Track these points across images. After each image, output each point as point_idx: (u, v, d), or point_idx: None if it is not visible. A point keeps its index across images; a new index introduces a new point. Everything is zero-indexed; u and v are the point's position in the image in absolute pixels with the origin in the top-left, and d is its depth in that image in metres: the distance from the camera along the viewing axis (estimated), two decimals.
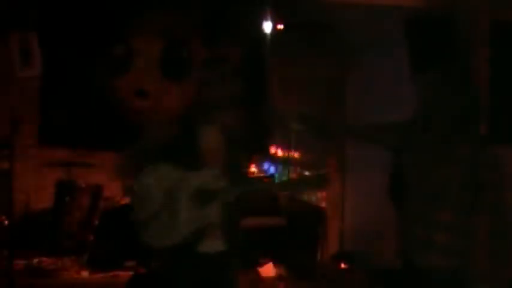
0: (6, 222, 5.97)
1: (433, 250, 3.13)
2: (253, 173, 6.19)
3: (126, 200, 6.28)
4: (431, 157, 3.17)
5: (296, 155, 6.77)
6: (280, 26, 7.12)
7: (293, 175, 6.59)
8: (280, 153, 6.85)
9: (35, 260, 6.03)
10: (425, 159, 3.18)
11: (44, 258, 6.08)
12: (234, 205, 3.66)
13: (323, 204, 6.70)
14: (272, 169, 6.26)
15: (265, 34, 7.23)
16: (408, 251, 3.18)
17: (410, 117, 3.28)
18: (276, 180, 3.59)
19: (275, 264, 6.27)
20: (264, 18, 7.09)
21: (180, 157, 3.54)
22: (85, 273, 5.81)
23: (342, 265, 6.59)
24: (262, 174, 5.89)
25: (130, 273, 5.39)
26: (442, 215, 3.13)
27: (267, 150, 3.75)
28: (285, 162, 6.40)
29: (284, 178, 4.57)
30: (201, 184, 3.49)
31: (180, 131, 3.59)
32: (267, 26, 7.12)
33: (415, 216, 3.17)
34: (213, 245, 3.53)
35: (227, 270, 3.66)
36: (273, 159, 6.42)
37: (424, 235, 3.14)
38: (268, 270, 6.20)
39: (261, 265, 6.28)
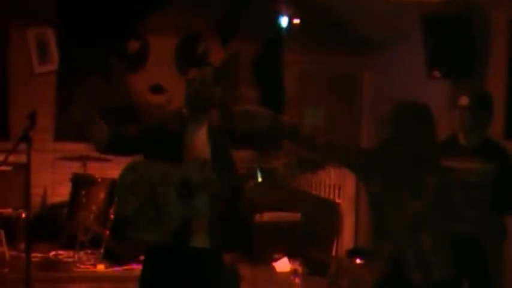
0: (23, 215, 6.03)
1: (429, 267, 3.13)
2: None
3: None
4: (398, 189, 3.15)
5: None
6: (297, 21, 7.10)
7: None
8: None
9: (52, 253, 6.08)
10: (394, 192, 3.16)
11: (61, 252, 6.13)
12: (232, 200, 3.67)
13: (338, 200, 6.69)
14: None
15: (281, 29, 7.24)
16: (403, 271, 3.17)
17: (381, 144, 3.26)
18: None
19: (290, 259, 6.27)
20: (281, 14, 7.10)
21: (165, 152, 3.56)
22: (101, 267, 5.85)
23: (357, 260, 6.59)
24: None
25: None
26: (424, 240, 3.13)
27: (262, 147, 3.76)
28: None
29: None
30: (184, 175, 3.50)
31: (164, 127, 3.63)
32: (284, 21, 7.11)
33: (401, 243, 3.15)
34: (200, 241, 3.54)
35: (218, 265, 3.66)
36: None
37: (415, 257, 3.13)
38: (283, 265, 6.21)
39: (276, 260, 6.29)
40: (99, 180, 6.31)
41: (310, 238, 6.62)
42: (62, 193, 6.66)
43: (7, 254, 5.90)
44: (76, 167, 6.47)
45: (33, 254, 5.77)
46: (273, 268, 6.22)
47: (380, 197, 3.22)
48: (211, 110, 3.66)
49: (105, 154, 3.82)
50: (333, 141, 3.41)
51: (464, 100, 3.84)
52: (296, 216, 6.42)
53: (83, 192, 6.21)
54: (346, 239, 6.75)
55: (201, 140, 3.64)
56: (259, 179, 3.59)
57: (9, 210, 6.31)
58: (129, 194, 3.49)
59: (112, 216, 6.03)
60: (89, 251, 6.11)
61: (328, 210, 6.64)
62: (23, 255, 5.66)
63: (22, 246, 5.95)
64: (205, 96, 3.60)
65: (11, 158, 5.50)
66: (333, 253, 6.51)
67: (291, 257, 6.25)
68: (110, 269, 5.84)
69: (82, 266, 5.85)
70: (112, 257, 5.92)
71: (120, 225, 3.48)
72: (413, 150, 3.10)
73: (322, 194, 6.82)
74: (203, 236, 3.56)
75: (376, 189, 3.23)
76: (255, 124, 3.58)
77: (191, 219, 3.51)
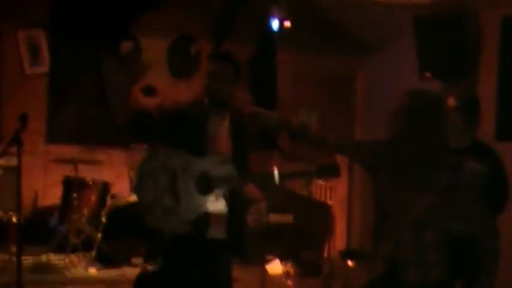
0: (14, 218, 6.00)
1: (426, 267, 3.13)
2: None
3: (133, 198, 6.30)
4: (409, 182, 3.13)
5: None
6: (288, 24, 7.10)
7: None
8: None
9: (43, 257, 6.05)
10: (402, 189, 3.14)
11: (52, 255, 6.11)
12: (241, 196, 3.69)
13: (330, 201, 6.70)
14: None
15: (273, 32, 7.24)
16: (399, 270, 3.16)
17: (390, 137, 3.20)
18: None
19: (282, 261, 6.27)
20: (272, 16, 7.10)
21: (187, 143, 3.57)
22: (93, 270, 5.83)
23: (349, 262, 6.59)
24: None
25: (138, 270, 5.43)
26: (427, 238, 3.13)
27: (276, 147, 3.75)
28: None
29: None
30: (205, 169, 3.51)
31: (187, 118, 3.63)
32: (275, 24, 7.11)
33: (401, 241, 3.15)
34: (217, 232, 3.55)
35: (227, 258, 3.69)
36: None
37: (414, 256, 3.13)
38: (275, 267, 6.21)
39: (268, 262, 6.28)
40: (91, 182, 6.29)
41: (302, 240, 6.62)
42: (53, 196, 6.63)
43: None
44: (67, 170, 6.44)
45: (25, 257, 5.75)
46: (265, 270, 6.21)
47: (386, 193, 3.20)
48: (232, 105, 3.68)
49: (126, 130, 3.79)
50: (342, 139, 3.42)
51: (452, 101, 3.86)
52: (288, 218, 6.42)
53: (75, 195, 6.18)
54: (338, 241, 6.76)
55: (223, 133, 3.66)
56: (277, 182, 3.61)
57: (0, 214, 6.28)
58: (149, 181, 3.50)
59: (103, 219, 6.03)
60: (81, 254, 6.08)
61: (320, 212, 6.65)
62: (14, 258, 5.64)
63: (13, 249, 5.91)
64: (226, 92, 3.61)
65: (2, 161, 5.50)
66: (325, 255, 6.51)
67: (283, 259, 6.24)
68: (102, 272, 5.82)
69: (74, 269, 5.83)
70: (104, 260, 5.90)
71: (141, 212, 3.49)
72: (425, 144, 3.07)
73: (314, 196, 6.83)
74: (220, 228, 3.58)
75: (382, 184, 3.21)
76: (265, 124, 3.58)
77: (209, 211, 3.53)
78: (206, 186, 3.55)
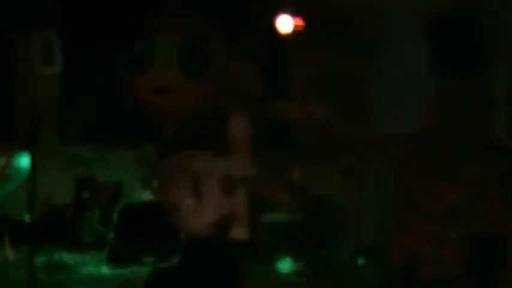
0: (27, 218, 6.03)
1: (444, 264, 3.11)
2: None
3: (145, 196, 6.32)
4: (437, 174, 3.10)
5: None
6: (299, 22, 7.10)
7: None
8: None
9: (56, 256, 6.09)
10: (430, 176, 3.11)
11: (65, 254, 6.14)
12: (259, 196, 3.69)
13: (342, 200, 6.68)
14: None
15: (284, 31, 7.25)
16: (415, 265, 3.14)
17: (418, 128, 3.19)
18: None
19: (293, 260, 6.27)
20: (284, 15, 7.10)
21: (209, 143, 3.57)
22: (105, 269, 5.86)
23: (361, 261, 6.58)
24: None
25: (149, 268, 5.44)
26: (451, 233, 3.12)
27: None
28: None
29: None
30: (227, 170, 3.52)
31: (208, 119, 3.62)
32: (288, 23, 7.11)
33: (422, 235, 3.13)
34: (239, 233, 3.56)
35: (247, 259, 3.69)
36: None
37: (434, 251, 3.11)
38: (286, 265, 6.21)
39: (279, 260, 6.29)
40: (103, 182, 6.32)
41: (313, 238, 6.62)
42: (66, 195, 6.66)
43: (11, 256, 5.90)
44: (80, 170, 6.48)
45: (38, 256, 5.79)
46: (276, 268, 6.22)
47: (414, 184, 3.16)
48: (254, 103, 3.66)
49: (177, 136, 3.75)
50: (371, 129, 3.40)
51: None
52: (300, 216, 6.42)
53: (87, 194, 6.22)
54: (349, 239, 6.75)
55: (244, 132, 3.66)
56: (298, 181, 3.62)
57: (13, 213, 6.33)
58: (172, 182, 3.51)
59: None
60: (93, 253, 6.11)
61: (332, 210, 6.64)
62: (27, 257, 5.68)
63: (26, 248, 5.96)
64: (250, 88, 3.61)
65: (16, 160, 5.55)
66: (337, 253, 6.51)
67: (295, 257, 6.25)
68: (114, 271, 5.85)
69: (86, 268, 5.86)
70: (116, 259, 5.92)
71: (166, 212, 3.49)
72: (462, 137, 3.02)
73: (326, 194, 6.81)
74: (243, 229, 3.59)
75: (410, 177, 3.17)
76: (297, 119, 3.57)
77: (231, 214, 3.54)
78: (228, 186, 3.55)
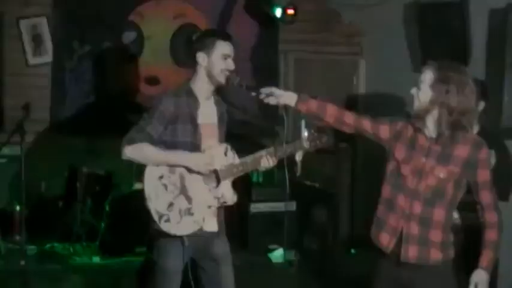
0: (18, 208, 6.02)
1: (429, 246, 3.13)
2: None
3: (137, 186, 6.31)
4: (426, 156, 3.13)
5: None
6: (291, 11, 7.08)
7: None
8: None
9: (47, 246, 6.07)
10: (419, 158, 3.14)
11: (56, 244, 6.13)
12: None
13: (333, 189, 6.68)
14: None
15: (276, 19, 7.23)
16: (401, 246, 3.16)
17: (409, 111, 3.21)
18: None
19: (285, 250, 6.27)
20: (275, 3, 7.08)
21: (186, 135, 3.54)
22: (96, 259, 5.85)
23: (352, 250, 6.60)
24: None
25: (141, 259, 5.44)
26: (437, 214, 3.13)
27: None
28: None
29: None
30: (209, 163, 3.50)
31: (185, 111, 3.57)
32: (278, 11, 7.09)
33: (409, 215, 3.14)
34: (212, 224, 3.57)
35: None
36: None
37: (420, 233, 3.12)
38: (278, 255, 6.22)
39: (271, 250, 6.29)
40: (95, 172, 6.31)
41: (305, 228, 6.63)
42: (57, 186, 6.64)
43: (2, 246, 5.89)
44: (72, 160, 6.46)
45: (29, 247, 5.78)
46: (268, 258, 6.22)
47: (401, 164, 3.20)
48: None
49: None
50: (362, 114, 3.42)
51: None
52: (291, 206, 6.42)
53: (78, 184, 6.21)
54: (342, 229, 6.75)
55: (210, 117, 3.62)
56: (298, 173, 3.63)
57: (4, 203, 6.31)
58: (160, 189, 3.45)
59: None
60: (85, 243, 6.10)
61: (324, 200, 6.65)
62: (19, 247, 5.67)
63: (17, 238, 5.95)
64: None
65: (5, 150, 5.53)
66: (329, 243, 6.52)
67: (286, 247, 6.25)
68: (106, 261, 5.84)
69: (78, 258, 5.85)
70: (108, 249, 5.91)
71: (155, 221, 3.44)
72: (450, 118, 3.04)
73: (318, 184, 6.82)
74: (214, 220, 3.60)
75: (400, 156, 3.21)
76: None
77: (217, 205, 3.54)
78: (215, 180, 3.54)
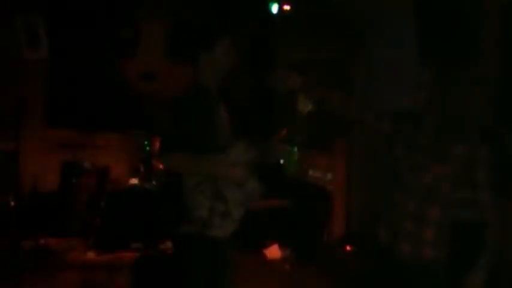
0: (13, 203, 6.01)
1: (422, 244, 3.13)
2: None
3: (132, 182, 6.31)
4: (423, 153, 3.14)
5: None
6: (287, 7, 7.08)
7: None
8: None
9: (42, 241, 6.06)
10: (417, 154, 3.15)
11: (51, 239, 6.12)
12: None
13: (328, 186, 6.69)
14: None
15: (271, 16, 7.23)
16: (396, 242, 3.16)
17: (409, 107, 3.22)
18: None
19: (280, 246, 6.28)
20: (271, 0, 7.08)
21: (208, 137, 3.51)
22: (91, 254, 5.85)
23: (347, 247, 6.60)
24: None
25: (137, 254, 5.44)
26: (432, 212, 3.13)
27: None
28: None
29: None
30: (235, 162, 3.50)
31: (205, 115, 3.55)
32: (274, 8, 7.10)
33: (405, 212, 3.15)
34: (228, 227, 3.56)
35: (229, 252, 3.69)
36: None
37: (414, 230, 3.13)
38: (273, 252, 6.23)
39: (267, 247, 6.30)
40: (90, 167, 6.30)
41: (300, 225, 6.64)
42: (52, 181, 6.63)
43: None
44: (67, 155, 6.45)
45: (24, 242, 5.77)
46: (264, 255, 6.23)
47: (400, 161, 3.20)
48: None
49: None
50: (366, 106, 3.41)
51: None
52: (286, 203, 6.43)
53: (74, 179, 6.20)
54: (337, 226, 6.76)
55: (224, 117, 3.59)
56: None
57: None
58: (198, 195, 3.45)
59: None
60: (80, 239, 6.09)
61: (319, 197, 6.65)
62: (13, 242, 5.67)
63: (12, 233, 5.94)
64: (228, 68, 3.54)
65: (1, 145, 5.52)
66: (324, 240, 6.52)
67: (282, 243, 6.26)
68: (101, 256, 5.84)
69: (73, 254, 5.85)
70: (103, 244, 5.91)
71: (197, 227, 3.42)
72: (450, 116, 3.07)
73: (313, 180, 6.83)
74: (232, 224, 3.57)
75: (398, 152, 3.21)
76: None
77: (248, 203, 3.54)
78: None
